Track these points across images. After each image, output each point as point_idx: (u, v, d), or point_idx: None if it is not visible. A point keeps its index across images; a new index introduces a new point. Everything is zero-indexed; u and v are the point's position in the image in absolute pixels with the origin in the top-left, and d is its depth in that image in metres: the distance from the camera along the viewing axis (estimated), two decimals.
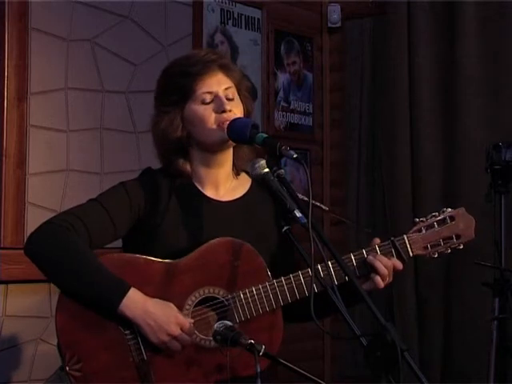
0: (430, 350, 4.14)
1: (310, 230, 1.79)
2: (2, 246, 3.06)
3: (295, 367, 1.90)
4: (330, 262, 2.05)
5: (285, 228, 1.90)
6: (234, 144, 2.13)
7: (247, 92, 2.23)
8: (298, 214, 1.83)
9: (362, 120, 4.51)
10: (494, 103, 4.07)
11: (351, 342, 4.15)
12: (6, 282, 3.07)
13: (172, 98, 2.14)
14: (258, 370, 1.78)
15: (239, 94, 2.18)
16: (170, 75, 2.17)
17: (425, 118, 4.22)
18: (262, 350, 1.83)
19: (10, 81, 3.11)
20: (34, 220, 3.09)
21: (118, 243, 2.18)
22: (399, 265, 2.10)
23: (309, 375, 1.89)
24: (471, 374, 3.92)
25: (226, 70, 2.16)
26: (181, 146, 2.15)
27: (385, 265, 2.07)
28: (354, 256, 2.09)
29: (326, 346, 4.51)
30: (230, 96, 2.14)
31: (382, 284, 2.08)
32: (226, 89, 2.13)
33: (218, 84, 2.13)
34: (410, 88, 4.25)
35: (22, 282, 3.07)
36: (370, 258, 2.08)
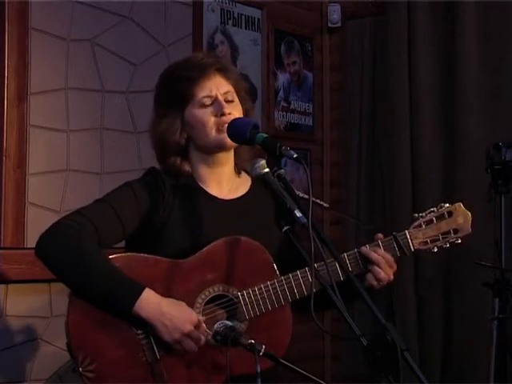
0: (430, 350, 4.14)
1: (310, 230, 1.79)
2: (1, 246, 3.05)
3: (295, 367, 1.90)
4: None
5: (285, 228, 1.91)
6: (235, 146, 2.15)
7: (245, 93, 2.25)
8: (298, 213, 1.84)
9: (361, 120, 4.51)
10: (494, 103, 4.07)
11: (351, 342, 4.15)
12: (6, 282, 3.06)
13: (171, 102, 2.16)
14: (259, 370, 1.79)
15: (238, 96, 2.20)
16: (169, 80, 2.19)
17: (425, 117, 4.22)
18: (263, 350, 1.84)
19: (10, 81, 3.10)
20: (34, 220, 3.09)
21: (120, 244, 2.18)
22: (389, 258, 2.12)
23: (309, 375, 1.89)
24: (471, 373, 3.92)
25: (224, 72, 2.18)
26: (180, 148, 2.16)
27: (379, 253, 2.10)
28: (358, 252, 2.12)
29: (325, 346, 4.51)
30: (230, 98, 2.16)
31: (380, 273, 2.09)
32: (225, 92, 2.15)
33: (217, 87, 2.15)
34: (410, 88, 4.25)
35: (21, 282, 3.07)
36: (363, 249, 2.11)
